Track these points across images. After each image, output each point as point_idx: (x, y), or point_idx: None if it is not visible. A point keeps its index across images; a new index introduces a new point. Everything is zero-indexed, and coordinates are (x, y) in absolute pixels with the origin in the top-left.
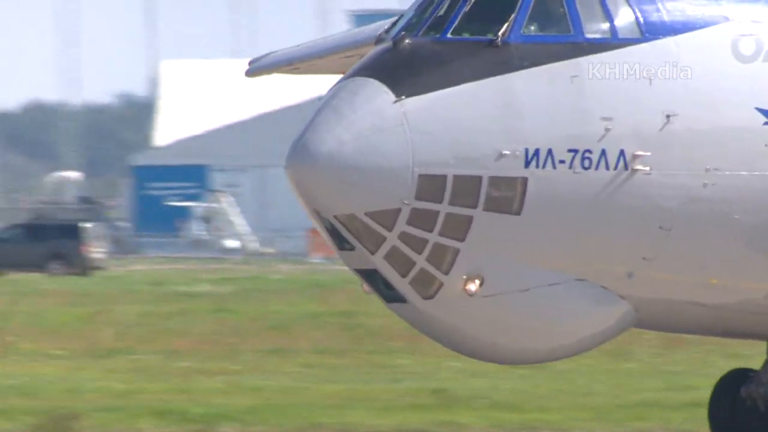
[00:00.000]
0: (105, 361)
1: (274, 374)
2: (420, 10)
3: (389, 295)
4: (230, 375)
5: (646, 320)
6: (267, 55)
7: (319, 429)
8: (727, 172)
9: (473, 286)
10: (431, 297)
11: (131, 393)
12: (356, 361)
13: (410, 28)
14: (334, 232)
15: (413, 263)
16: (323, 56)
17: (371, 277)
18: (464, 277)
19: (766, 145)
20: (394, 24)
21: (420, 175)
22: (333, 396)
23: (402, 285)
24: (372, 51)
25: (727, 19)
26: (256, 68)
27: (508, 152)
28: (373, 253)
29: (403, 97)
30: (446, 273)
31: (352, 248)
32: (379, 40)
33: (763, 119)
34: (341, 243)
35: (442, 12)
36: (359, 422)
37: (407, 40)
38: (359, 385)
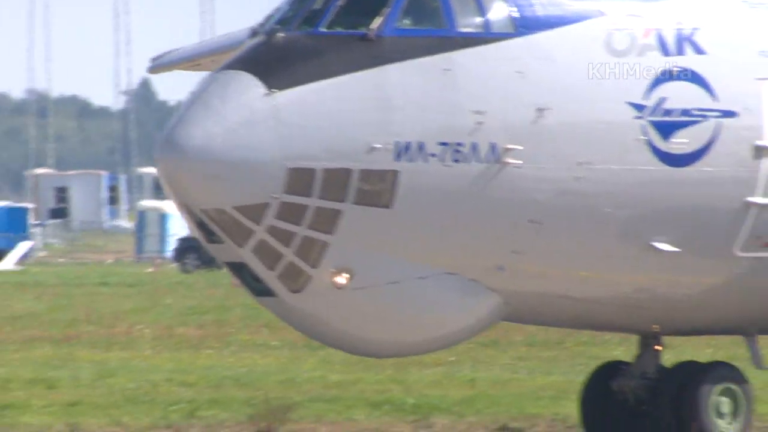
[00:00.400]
0: (320, 352)
1: (488, 366)
2: (295, 4)
3: (257, 288)
4: (445, 366)
5: (516, 313)
6: (170, 52)
7: (532, 420)
8: (598, 166)
9: (342, 280)
10: (299, 290)
11: (346, 383)
12: (569, 353)
13: (284, 21)
14: (202, 225)
15: (281, 256)
16: (224, 52)
17: (240, 270)
18: (333, 270)
19: (636, 140)
20: (269, 18)
21: (289, 169)
22: (546, 388)
23: (270, 278)
24: (245, 44)
25: (601, 13)
26: (159, 65)
27: (378, 145)
28: (241, 247)
29: (274, 90)
30: (314, 266)
31: (221, 241)
32: (253, 33)
33: (635, 113)
34: (210, 236)
35: (316, 6)
36: (571, 414)
37: (280, 34)
38: (572, 377)
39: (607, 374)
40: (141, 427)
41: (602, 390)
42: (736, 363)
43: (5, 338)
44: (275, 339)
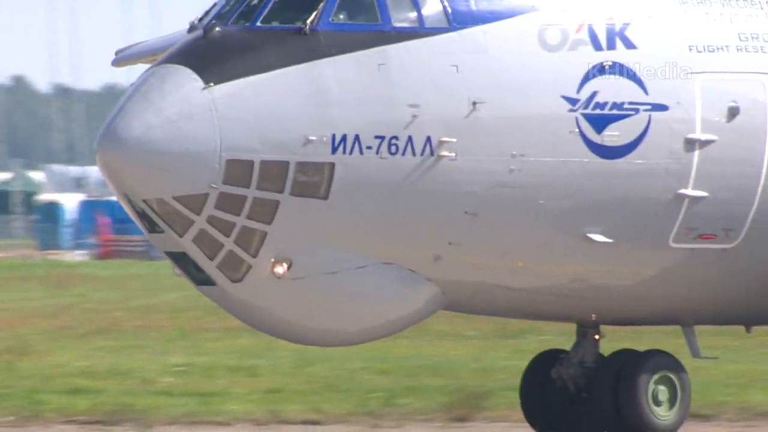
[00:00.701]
0: (513, 341)
1: (677, 355)
2: (233, 0)
3: (199, 277)
4: None
5: (455, 303)
6: (133, 45)
7: (721, 408)
8: (533, 158)
9: (281, 269)
10: (239, 280)
11: None
12: (757, 342)
13: (222, 16)
14: (143, 216)
15: (221, 246)
16: None
17: (181, 259)
18: (272, 259)
19: (570, 132)
20: (207, 12)
21: (228, 160)
22: (735, 376)
23: (210, 268)
24: (183, 39)
25: (535, 8)
26: (122, 58)
27: (314, 138)
28: (181, 236)
29: (212, 83)
30: (254, 256)
31: (161, 231)
32: (192, 28)
33: (569, 106)
34: (151, 226)
35: (254, 2)
36: (760, 402)
37: (217, 28)
38: (761, 366)
39: (546, 362)
40: (340, 414)
41: (541, 378)
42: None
43: (209, 327)
44: (470, 329)
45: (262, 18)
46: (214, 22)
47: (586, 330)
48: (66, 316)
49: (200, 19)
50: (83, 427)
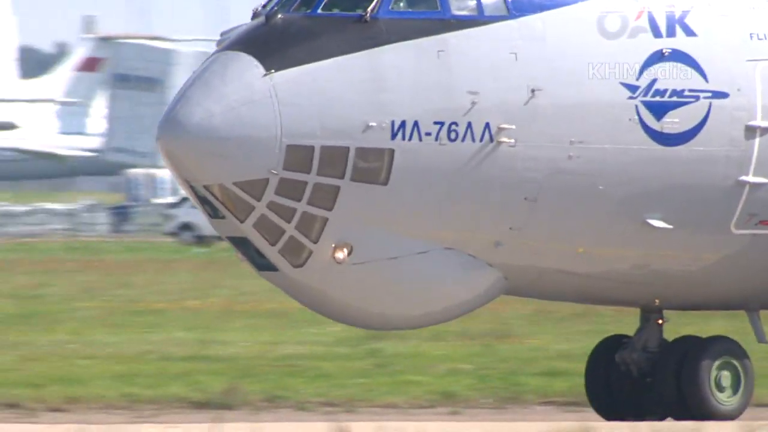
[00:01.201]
0: None
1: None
2: None
3: (261, 263)
4: None
5: (518, 288)
6: (236, 27)
7: None
8: (592, 145)
9: (341, 255)
10: (301, 265)
11: None
12: None
13: (284, 4)
14: (205, 201)
15: (282, 231)
16: None
17: (243, 245)
18: (333, 245)
19: (630, 120)
20: (270, 0)
21: (288, 146)
22: None
23: (272, 253)
24: (245, 26)
25: None
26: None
27: (374, 124)
28: (242, 222)
29: (273, 70)
30: (315, 241)
31: (223, 217)
32: (255, 15)
33: (628, 93)
34: (213, 212)
35: None
36: None
37: (279, 16)
38: None
39: (610, 347)
40: None
41: (605, 362)
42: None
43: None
44: None
45: (323, 5)
46: (276, 9)
47: (650, 315)
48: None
49: (264, 6)
50: (560, 408)
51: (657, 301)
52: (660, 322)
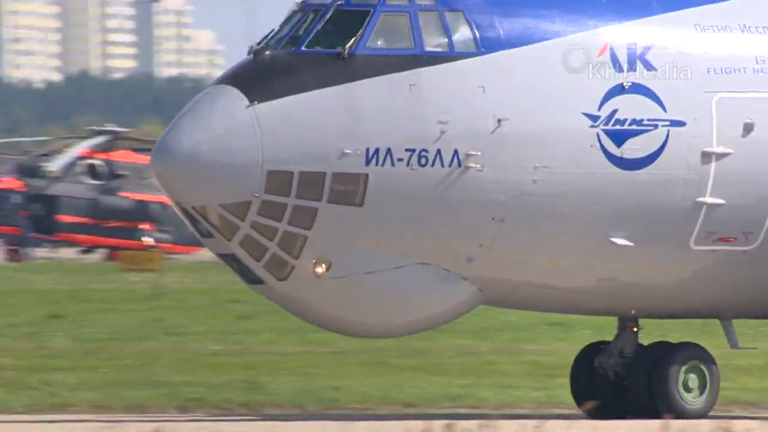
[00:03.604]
0: None
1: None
2: (285, 26)
3: (249, 276)
4: None
5: (494, 299)
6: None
7: None
8: (555, 170)
9: (321, 269)
10: (285, 278)
11: None
12: None
13: (273, 42)
14: (195, 221)
15: (266, 249)
16: None
17: (232, 260)
18: (313, 261)
19: (591, 146)
20: (264, 38)
21: (269, 171)
22: None
23: (257, 268)
24: (238, 62)
25: (559, 34)
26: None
27: (349, 151)
28: (229, 240)
29: (256, 102)
30: (296, 257)
31: (211, 235)
32: (250, 51)
33: (590, 122)
34: (203, 230)
35: (301, 28)
36: None
37: (267, 53)
38: None
39: (593, 352)
40: None
41: (588, 367)
42: None
43: None
44: None
45: (306, 43)
46: (263, 46)
47: (626, 323)
48: None
49: (258, 43)
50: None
51: (633, 310)
52: (635, 329)
